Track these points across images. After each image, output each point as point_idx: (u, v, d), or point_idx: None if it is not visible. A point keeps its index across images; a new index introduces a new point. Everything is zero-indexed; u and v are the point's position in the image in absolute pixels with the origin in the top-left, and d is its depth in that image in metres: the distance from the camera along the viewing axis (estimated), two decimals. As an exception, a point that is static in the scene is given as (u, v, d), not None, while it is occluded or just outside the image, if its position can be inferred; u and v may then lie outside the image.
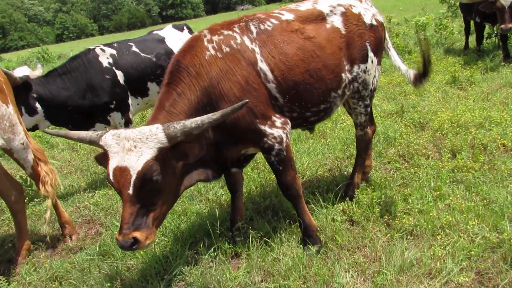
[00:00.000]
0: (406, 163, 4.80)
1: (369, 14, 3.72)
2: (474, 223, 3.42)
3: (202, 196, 4.68)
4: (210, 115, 2.63)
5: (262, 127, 3.13)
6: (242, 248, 3.51)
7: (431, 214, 3.60)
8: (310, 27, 3.39)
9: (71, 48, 31.05)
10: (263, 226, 3.73)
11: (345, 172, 4.75)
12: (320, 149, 5.41)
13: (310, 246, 3.34)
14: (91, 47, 5.14)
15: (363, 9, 3.70)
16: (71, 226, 4.29)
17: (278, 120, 3.21)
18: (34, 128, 4.87)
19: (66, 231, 4.25)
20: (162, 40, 5.73)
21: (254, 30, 3.21)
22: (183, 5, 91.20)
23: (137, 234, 2.53)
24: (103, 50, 5.04)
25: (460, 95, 7.00)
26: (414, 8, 20.31)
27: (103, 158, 2.68)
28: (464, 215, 3.57)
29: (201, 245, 3.49)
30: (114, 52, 5.09)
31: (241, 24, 3.24)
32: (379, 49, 3.87)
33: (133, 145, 2.52)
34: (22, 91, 4.55)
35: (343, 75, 3.53)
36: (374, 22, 3.73)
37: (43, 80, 4.77)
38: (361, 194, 4.00)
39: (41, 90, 4.67)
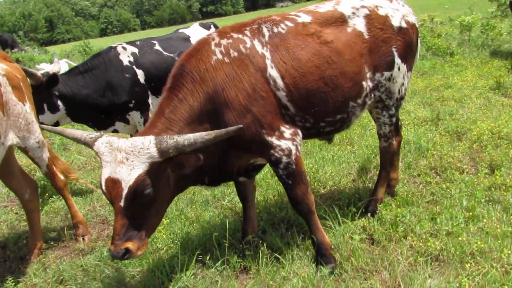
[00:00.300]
0: (438, 177, 4.43)
1: (398, 16, 3.40)
2: (510, 251, 3.05)
3: (218, 202, 4.52)
4: (203, 134, 2.51)
5: (269, 138, 2.91)
6: (252, 263, 3.31)
7: (460, 238, 3.25)
8: (329, 30, 3.13)
9: (113, 43, 31.56)
10: (275, 240, 3.52)
11: (370, 184, 4.44)
12: (345, 157, 5.11)
13: (322, 267, 3.10)
14: (113, 45, 5.10)
15: (391, 10, 3.38)
16: (84, 226, 4.25)
17: (287, 131, 2.98)
18: (55, 124, 4.88)
19: (79, 232, 4.21)
20: (187, 39, 5.61)
21: (267, 34, 3.00)
22: (223, 1, 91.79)
23: (129, 245, 2.52)
24: (124, 48, 4.97)
25: (504, 103, 6.47)
26: (460, 6, 19.27)
27: None
28: (499, 242, 3.20)
29: (208, 257, 3.31)
30: (135, 50, 5.01)
31: (253, 26, 3.03)
32: (409, 54, 3.53)
33: (125, 158, 2.45)
34: (44, 89, 4.56)
35: (363, 83, 3.25)
36: (404, 25, 3.40)
37: (65, 77, 4.76)
38: (384, 210, 3.71)
39: (62, 88, 4.67)
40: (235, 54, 2.87)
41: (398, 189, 4.17)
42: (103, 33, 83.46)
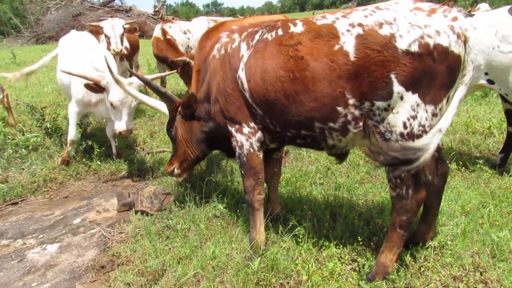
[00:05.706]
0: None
1: (413, 35, 2.61)
2: None
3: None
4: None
5: (230, 128, 3.40)
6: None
7: None
8: (310, 45, 2.86)
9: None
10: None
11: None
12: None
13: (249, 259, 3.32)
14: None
15: (406, 27, 2.63)
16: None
17: (246, 128, 3.32)
18: None
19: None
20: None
21: (257, 38, 3.17)
22: None
23: None
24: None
25: None
26: None
27: None
28: None
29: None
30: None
31: (254, 29, 3.28)
32: (426, 83, 2.67)
33: None
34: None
35: (339, 108, 2.85)
36: (415, 48, 2.60)
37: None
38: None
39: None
40: (223, 52, 3.40)
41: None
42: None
